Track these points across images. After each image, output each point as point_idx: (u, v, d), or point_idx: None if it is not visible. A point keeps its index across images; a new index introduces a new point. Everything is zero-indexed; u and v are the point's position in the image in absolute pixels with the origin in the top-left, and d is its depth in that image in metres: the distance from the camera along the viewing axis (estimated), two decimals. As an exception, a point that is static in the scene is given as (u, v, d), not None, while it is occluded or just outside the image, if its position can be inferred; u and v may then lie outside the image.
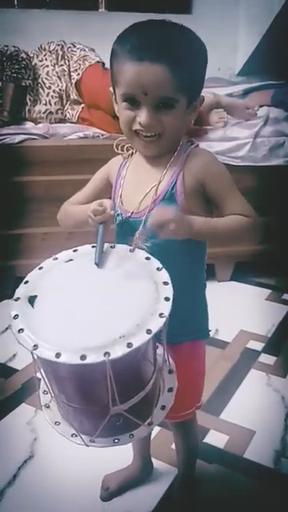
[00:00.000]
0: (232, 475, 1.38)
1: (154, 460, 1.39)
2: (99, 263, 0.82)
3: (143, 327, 0.70)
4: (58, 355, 0.68)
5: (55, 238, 2.12)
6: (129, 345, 0.68)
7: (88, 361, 0.67)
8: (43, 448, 1.47)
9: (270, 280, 2.45)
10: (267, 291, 2.37)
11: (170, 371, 0.91)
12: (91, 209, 0.89)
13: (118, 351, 0.68)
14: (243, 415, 1.58)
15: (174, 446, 1.31)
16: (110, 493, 1.32)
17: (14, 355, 1.81)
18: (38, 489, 1.34)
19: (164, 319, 0.72)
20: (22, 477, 1.38)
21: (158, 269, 0.80)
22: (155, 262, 0.81)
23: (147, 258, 0.82)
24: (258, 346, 1.95)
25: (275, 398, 1.68)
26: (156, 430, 1.45)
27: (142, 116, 0.87)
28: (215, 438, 1.50)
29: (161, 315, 0.72)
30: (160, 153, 0.93)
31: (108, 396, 0.74)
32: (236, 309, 2.20)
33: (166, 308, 0.73)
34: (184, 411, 1.11)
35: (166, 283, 0.77)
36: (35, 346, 0.70)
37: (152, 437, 1.35)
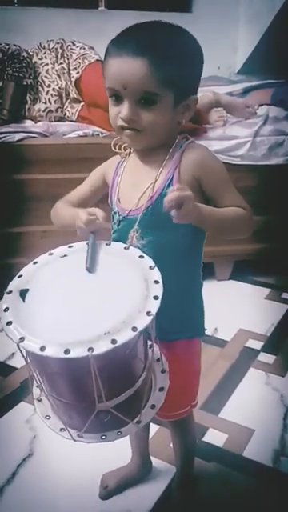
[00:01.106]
0: (231, 474, 1.39)
1: (152, 458, 1.39)
2: (90, 269, 0.81)
3: (129, 324, 0.71)
4: (42, 348, 0.69)
5: (54, 236, 2.11)
6: (113, 341, 0.69)
7: (71, 355, 0.68)
8: (42, 446, 1.47)
9: (270, 279, 2.45)
10: (266, 290, 2.37)
11: (163, 371, 0.91)
12: (82, 219, 0.87)
13: (102, 347, 0.68)
14: (242, 414, 1.58)
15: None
16: (108, 491, 1.32)
17: (13, 354, 1.81)
18: (37, 487, 1.34)
19: (151, 317, 0.72)
20: (21, 475, 1.38)
21: (150, 267, 0.80)
22: (148, 261, 0.82)
23: (141, 257, 0.83)
24: (257, 344, 1.96)
25: (274, 396, 1.68)
26: (155, 428, 1.45)
27: (123, 110, 0.88)
28: (214, 437, 1.50)
29: (148, 313, 0.72)
30: (145, 146, 0.93)
31: (94, 392, 0.75)
32: (235, 308, 2.20)
33: (154, 306, 0.73)
34: (179, 410, 1.11)
35: (156, 282, 0.77)
36: (21, 339, 0.71)
37: (151, 435, 1.35)
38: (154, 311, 0.73)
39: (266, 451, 1.45)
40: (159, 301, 0.74)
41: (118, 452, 1.35)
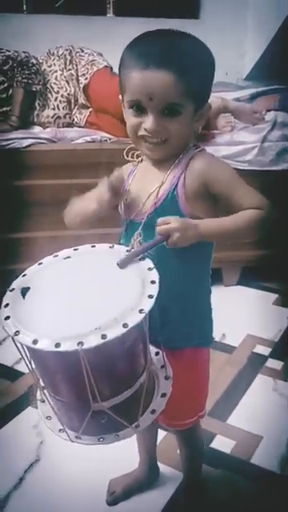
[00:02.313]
0: (238, 480, 1.38)
1: (160, 464, 1.38)
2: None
3: (121, 321, 0.72)
4: (35, 342, 0.72)
5: (62, 241, 2.09)
6: (103, 336, 0.70)
7: (62, 348, 0.70)
8: (49, 451, 1.47)
9: (277, 284, 2.44)
10: (274, 296, 2.36)
11: (167, 377, 0.92)
12: (104, 187, 0.92)
13: (92, 341, 0.70)
14: (250, 420, 1.58)
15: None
16: (115, 497, 1.32)
17: (21, 359, 1.80)
18: (44, 492, 1.34)
19: (143, 315, 0.73)
20: (28, 480, 1.38)
21: (149, 268, 0.82)
22: (148, 263, 0.84)
23: (141, 259, 0.84)
24: (264, 350, 1.95)
25: (282, 403, 1.67)
26: (162, 434, 1.44)
27: (148, 122, 0.88)
28: (222, 443, 1.49)
29: (141, 311, 0.74)
30: (166, 157, 0.94)
31: (87, 390, 0.76)
32: (243, 313, 2.19)
33: (148, 304, 0.75)
34: (185, 420, 1.10)
35: (153, 282, 0.79)
36: (17, 332, 0.74)
37: (158, 441, 1.35)
38: (146, 309, 0.74)
39: (273, 458, 1.44)
40: (153, 300, 0.76)
41: (125, 458, 1.35)
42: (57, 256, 0.91)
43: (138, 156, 1.01)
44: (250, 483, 1.37)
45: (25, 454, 1.46)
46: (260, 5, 3.01)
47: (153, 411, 0.87)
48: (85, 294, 0.79)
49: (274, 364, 1.87)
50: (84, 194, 1.04)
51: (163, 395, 0.89)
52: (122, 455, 1.32)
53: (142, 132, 0.90)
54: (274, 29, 2.80)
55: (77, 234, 2.14)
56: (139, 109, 0.89)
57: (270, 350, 1.95)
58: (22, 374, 1.77)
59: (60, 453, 1.43)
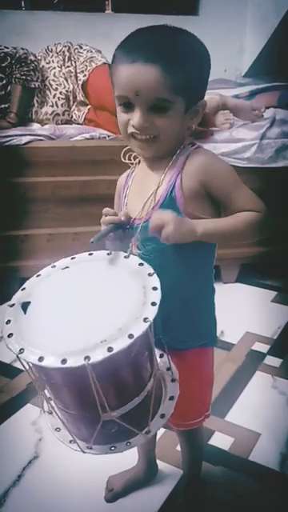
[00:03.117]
0: (237, 477, 1.38)
1: (159, 461, 1.38)
2: (94, 240, 0.85)
3: (126, 332, 0.71)
4: (40, 359, 0.71)
5: (60, 239, 2.12)
6: (109, 349, 0.69)
7: (68, 364, 0.69)
8: (48, 448, 1.47)
9: (276, 282, 2.44)
10: (273, 293, 2.36)
11: (173, 380, 0.91)
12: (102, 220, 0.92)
13: (99, 355, 0.69)
14: (249, 417, 1.58)
15: (179, 448, 1.31)
16: (114, 494, 1.32)
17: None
18: (43, 489, 1.35)
19: (148, 324, 0.72)
20: (27, 477, 1.38)
21: (149, 274, 0.81)
22: (147, 268, 0.82)
23: (140, 264, 0.83)
24: (263, 348, 1.95)
25: (281, 400, 1.67)
26: (161, 431, 1.44)
27: (135, 118, 0.86)
28: (220, 440, 1.49)
29: (145, 320, 0.72)
30: (157, 154, 0.92)
31: (97, 402, 0.75)
32: (241, 311, 2.19)
33: (152, 313, 0.73)
34: (191, 420, 1.09)
35: (155, 288, 0.77)
36: (21, 350, 0.72)
37: (157, 438, 1.35)
38: (151, 317, 0.73)
39: (272, 455, 1.44)
40: (157, 307, 0.74)
41: (124, 455, 1.34)
42: (54, 267, 0.89)
43: (135, 157, 1.00)
44: (248, 480, 1.37)
45: (23, 450, 1.47)
46: (259, 1, 3.00)
47: (162, 415, 0.87)
48: (86, 304, 0.78)
49: (273, 361, 1.87)
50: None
51: (171, 398, 0.89)
52: (121, 453, 1.33)
53: (130, 129, 0.89)
54: (274, 25, 2.80)
55: (75, 230, 2.16)
56: (127, 105, 0.87)
57: (268, 347, 1.95)
58: (20, 371, 1.77)
59: (59, 450, 1.42)
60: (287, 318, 2.15)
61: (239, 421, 1.57)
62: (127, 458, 1.36)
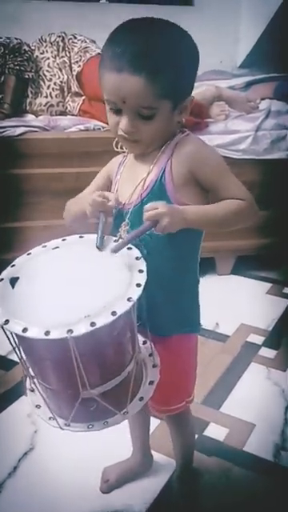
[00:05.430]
0: (231, 468, 1.39)
1: (153, 452, 1.39)
2: (100, 246, 0.86)
3: (109, 309, 0.73)
4: (24, 330, 0.73)
5: (55, 230, 2.08)
6: (92, 324, 0.72)
7: (51, 336, 0.71)
8: (43, 440, 1.47)
9: (271, 273, 2.45)
10: (268, 285, 2.37)
11: (154, 365, 0.94)
12: (90, 199, 0.91)
13: (81, 329, 0.71)
14: (243, 408, 1.59)
15: (173, 439, 1.32)
16: (109, 485, 1.33)
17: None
18: (38, 481, 1.35)
19: (131, 303, 0.74)
20: (23, 469, 1.39)
21: (136, 258, 0.83)
22: (135, 252, 0.85)
23: (129, 248, 0.85)
24: (258, 339, 1.96)
25: (275, 391, 1.68)
26: (156, 422, 1.45)
27: (122, 123, 0.89)
28: (215, 431, 1.50)
29: (129, 299, 0.75)
30: (145, 152, 0.95)
31: (77, 378, 0.77)
32: (237, 302, 2.20)
33: (136, 293, 0.76)
34: (173, 405, 1.11)
35: (140, 271, 0.80)
36: (6, 321, 0.74)
37: (151, 429, 1.35)
38: (135, 297, 0.75)
39: (266, 446, 1.45)
40: (141, 288, 0.77)
41: (119, 446, 1.35)
42: (45, 246, 0.91)
43: None
44: (242, 471, 1.38)
45: (19, 442, 1.47)
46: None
47: (141, 398, 0.89)
48: (73, 282, 0.80)
49: (268, 353, 1.88)
50: (79, 196, 1.05)
51: (151, 383, 0.91)
52: (115, 443, 1.33)
53: (120, 131, 0.91)
54: (269, 16, 2.78)
55: (72, 225, 2.14)
56: (116, 109, 0.89)
57: (263, 339, 1.96)
58: (16, 363, 1.76)
59: (54, 442, 1.44)
60: (282, 310, 2.16)
61: (234, 412, 1.58)
62: (122, 450, 1.36)
